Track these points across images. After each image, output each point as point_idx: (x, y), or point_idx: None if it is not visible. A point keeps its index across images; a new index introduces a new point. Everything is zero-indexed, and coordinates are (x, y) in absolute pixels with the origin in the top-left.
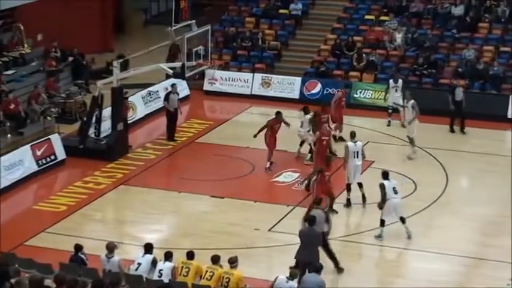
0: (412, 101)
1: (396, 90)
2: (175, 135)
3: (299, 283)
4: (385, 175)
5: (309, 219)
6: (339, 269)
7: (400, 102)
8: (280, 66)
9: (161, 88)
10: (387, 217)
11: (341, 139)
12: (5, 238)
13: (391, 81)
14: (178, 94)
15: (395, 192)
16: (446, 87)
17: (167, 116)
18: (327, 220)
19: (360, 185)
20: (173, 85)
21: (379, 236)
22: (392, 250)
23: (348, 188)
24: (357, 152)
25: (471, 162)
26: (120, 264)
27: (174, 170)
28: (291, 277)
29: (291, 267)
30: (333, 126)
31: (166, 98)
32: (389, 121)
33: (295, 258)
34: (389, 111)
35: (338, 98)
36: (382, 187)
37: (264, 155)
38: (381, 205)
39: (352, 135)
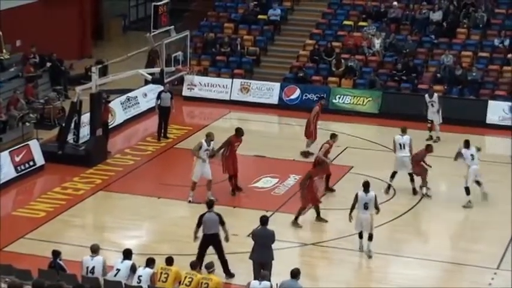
0: None
1: (432, 105)
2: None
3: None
4: (365, 186)
5: (262, 220)
6: (230, 274)
7: (437, 118)
8: (259, 71)
9: (140, 94)
10: (357, 230)
11: (308, 153)
12: None
13: (426, 96)
14: (171, 93)
15: (366, 207)
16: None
17: (159, 115)
18: (222, 223)
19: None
20: (165, 84)
21: (360, 249)
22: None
23: (392, 175)
24: (404, 144)
25: (450, 167)
26: (105, 263)
27: (153, 176)
28: (262, 278)
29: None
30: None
31: (159, 96)
32: (430, 136)
33: (249, 258)
34: (429, 125)
35: (316, 113)
36: (355, 198)
37: (243, 161)
38: (350, 215)
39: (403, 129)
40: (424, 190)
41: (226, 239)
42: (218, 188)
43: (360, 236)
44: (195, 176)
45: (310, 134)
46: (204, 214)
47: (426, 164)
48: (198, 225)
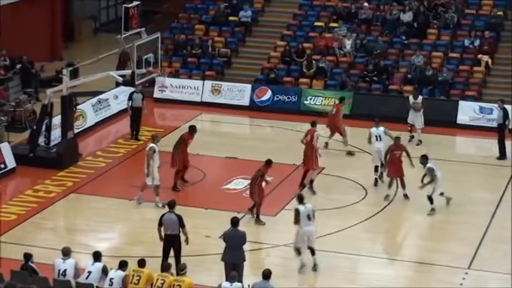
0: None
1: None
2: (139, 134)
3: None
4: (300, 199)
5: (233, 221)
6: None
7: (420, 121)
8: (230, 73)
9: (111, 96)
10: (302, 245)
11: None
12: None
13: (410, 97)
14: (142, 93)
15: (309, 218)
16: (395, 92)
17: (131, 115)
18: (181, 225)
19: (381, 165)
20: (137, 86)
21: (301, 268)
22: (341, 256)
23: (375, 169)
24: (379, 136)
25: (420, 168)
26: (76, 266)
27: (125, 178)
28: (233, 279)
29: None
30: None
31: (130, 97)
32: (412, 136)
33: (221, 260)
34: (409, 128)
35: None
36: (297, 213)
37: (215, 163)
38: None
39: (376, 121)
40: (405, 191)
41: (186, 242)
42: (191, 189)
43: (298, 252)
44: (156, 180)
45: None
46: (164, 214)
47: (409, 156)
48: (159, 224)
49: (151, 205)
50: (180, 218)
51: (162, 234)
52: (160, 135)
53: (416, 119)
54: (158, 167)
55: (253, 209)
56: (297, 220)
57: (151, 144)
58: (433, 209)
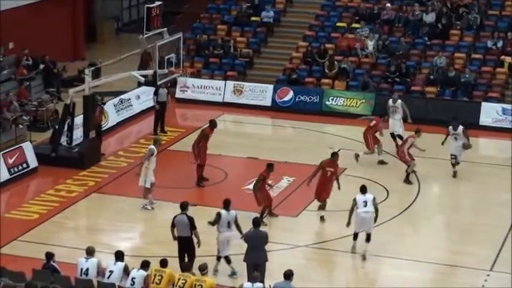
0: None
1: (456, 138)
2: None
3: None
4: (225, 204)
5: (255, 222)
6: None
7: (461, 152)
8: (252, 73)
9: (133, 96)
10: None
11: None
12: None
13: (450, 128)
14: (167, 89)
15: (229, 226)
16: (417, 94)
17: (156, 110)
18: (192, 227)
19: (399, 136)
20: (159, 85)
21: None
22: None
23: (393, 136)
24: (395, 109)
25: (443, 169)
26: (99, 265)
27: None
28: (254, 280)
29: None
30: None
31: (156, 92)
32: (454, 172)
33: (243, 261)
34: (453, 161)
35: (370, 126)
36: (218, 216)
37: (236, 163)
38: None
39: (394, 97)
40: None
41: (198, 245)
42: (213, 189)
43: (219, 258)
44: (149, 182)
45: (367, 144)
46: (177, 215)
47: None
48: (172, 226)
49: (172, 205)
50: (191, 220)
51: (176, 235)
52: (182, 136)
53: (458, 151)
54: (153, 169)
55: (272, 212)
56: (215, 222)
57: (152, 146)
58: (354, 247)
